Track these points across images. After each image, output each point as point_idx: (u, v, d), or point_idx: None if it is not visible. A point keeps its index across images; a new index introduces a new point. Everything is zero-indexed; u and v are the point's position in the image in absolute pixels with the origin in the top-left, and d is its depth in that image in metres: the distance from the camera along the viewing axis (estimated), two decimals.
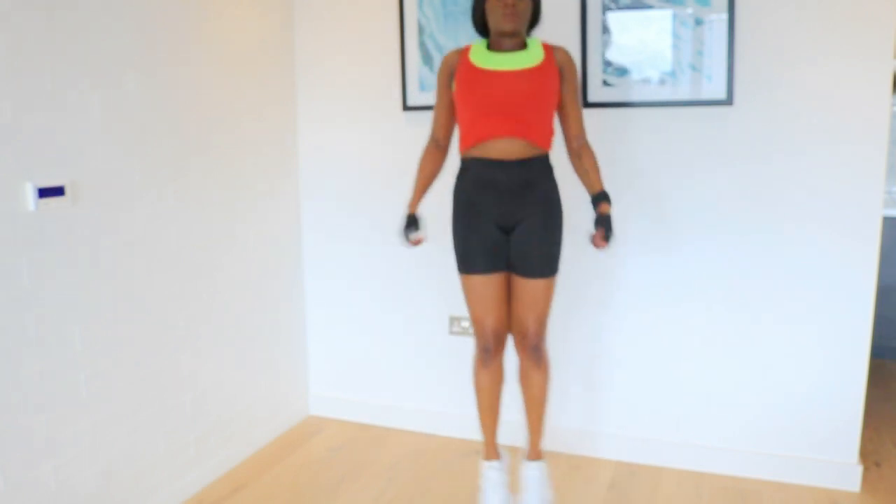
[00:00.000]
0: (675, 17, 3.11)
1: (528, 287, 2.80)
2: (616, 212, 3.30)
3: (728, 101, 3.08)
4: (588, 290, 3.45)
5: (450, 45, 3.47)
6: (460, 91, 2.72)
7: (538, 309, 2.83)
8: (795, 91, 3.02)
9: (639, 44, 3.18)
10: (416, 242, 2.91)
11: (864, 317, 3.08)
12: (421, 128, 3.54)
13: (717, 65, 3.08)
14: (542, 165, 2.76)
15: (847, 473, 3.18)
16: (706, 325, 3.30)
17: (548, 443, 3.56)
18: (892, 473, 3.31)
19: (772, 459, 3.28)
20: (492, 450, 3.02)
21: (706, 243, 3.24)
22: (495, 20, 2.66)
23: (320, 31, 3.76)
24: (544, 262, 2.78)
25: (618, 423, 3.51)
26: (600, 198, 2.75)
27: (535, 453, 3.00)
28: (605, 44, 3.23)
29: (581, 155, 2.81)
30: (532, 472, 2.96)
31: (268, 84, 3.63)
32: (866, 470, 3.32)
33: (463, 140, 2.76)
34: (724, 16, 3.03)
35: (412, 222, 2.90)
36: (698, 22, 3.08)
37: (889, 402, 4.13)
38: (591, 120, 3.26)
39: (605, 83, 3.25)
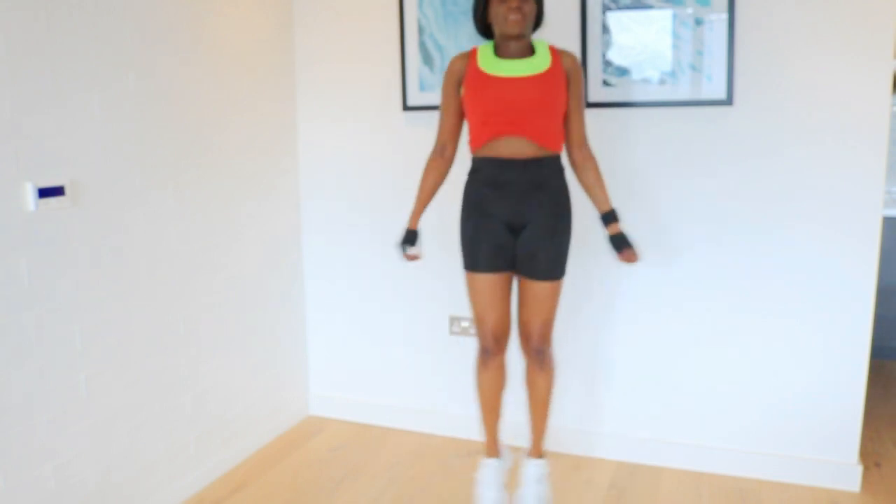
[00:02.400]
0: (675, 16, 3.11)
1: (534, 289, 2.78)
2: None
3: (728, 101, 3.08)
4: (588, 290, 3.45)
5: (450, 45, 3.46)
6: (470, 97, 2.71)
7: (544, 312, 2.82)
8: (795, 91, 3.02)
9: (639, 44, 3.17)
10: (412, 258, 2.94)
11: (864, 317, 3.07)
12: (421, 128, 3.54)
13: (716, 65, 3.08)
14: (553, 166, 2.75)
15: (847, 474, 3.17)
16: (706, 325, 3.30)
17: (548, 442, 3.56)
18: (892, 474, 3.31)
19: (772, 459, 3.27)
20: (492, 448, 3.01)
21: (705, 244, 3.24)
22: (500, 24, 2.64)
23: (320, 31, 3.76)
24: (552, 265, 2.77)
25: (618, 423, 3.51)
26: (612, 217, 2.81)
27: (536, 451, 3.01)
28: (605, 44, 3.22)
29: (586, 167, 2.82)
30: (532, 470, 2.96)
31: (267, 84, 3.63)
32: (866, 470, 3.31)
33: (474, 140, 2.75)
34: (724, 16, 3.03)
35: (410, 238, 2.91)
36: (698, 22, 3.07)
37: (889, 402, 4.13)
38: (591, 120, 3.26)
39: (605, 83, 3.25)
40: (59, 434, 2.61)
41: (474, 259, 2.79)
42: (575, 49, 3.26)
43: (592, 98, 3.28)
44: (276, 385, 3.81)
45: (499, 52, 2.72)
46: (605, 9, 3.20)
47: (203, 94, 3.20)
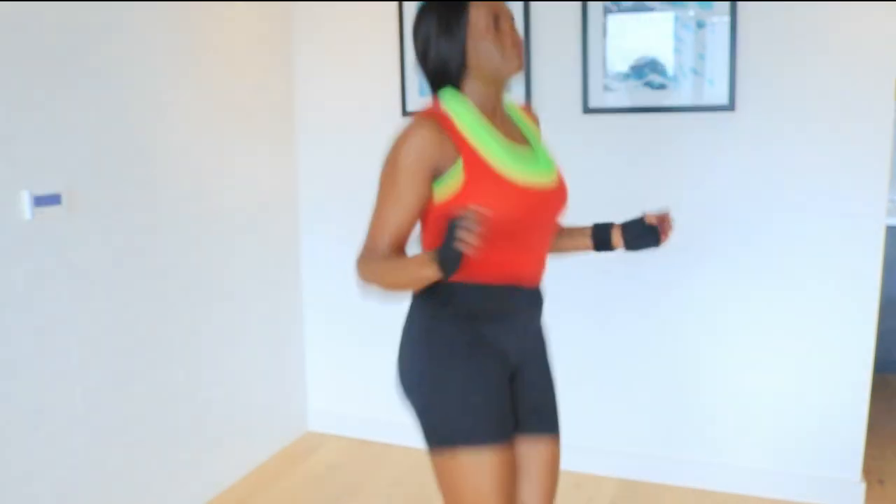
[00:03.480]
0: (676, 19, 3.08)
1: (548, 453, 1.99)
2: (613, 219, 3.29)
3: (730, 106, 3.06)
4: (588, 305, 3.41)
5: None
6: (475, 205, 1.76)
7: (555, 487, 2.03)
8: (798, 97, 2.99)
9: (640, 47, 3.16)
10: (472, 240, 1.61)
11: (868, 330, 3.03)
12: None
13: (719, 69, 3.06)
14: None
15: (850, 491, 3.12)
16: (706, 340, 3.25)
17: None
18: (895, 491, 3.27)
19: (774, 476, 3.23)
20: None
21: (706, 255, 3.20)
22: (495, 60, 1.82)
23: (319, 40, 3.72)
24: (557, 413, 2.06)
25: (620, 441, 3.47)
26: (601, 228, 2.09)
27: None
28: (606, 47, 3.21)
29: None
30: None
31: (266, 92, 3.59)
32: (869, 488, 3.26)
33: (468, 269, 1.82)
34: (727, 18, 3.01)
35: (446, 252, 1.66)
36: (700, 25, 3.06)
37: (893, 417, 4.09)
38: (592, 126, 3.25)
39: (606, 88, 3.23)
40: (56, 449, 2.56)
41: (484, 423, 1.82)
42: (575, 52, 3.25)
43: (593, 103, 3.25)
44: (274, 400, 3.77)
45: (483, 112, 1.88)
46: (607, 12, 3.18)
47: (201, 103, 3.17)
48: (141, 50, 2.86)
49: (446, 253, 1.61)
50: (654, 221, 2.00)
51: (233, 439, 3.46)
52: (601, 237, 2.06)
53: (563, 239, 2.11)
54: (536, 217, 1.85)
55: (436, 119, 1.79)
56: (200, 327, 3.23)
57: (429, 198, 1.80)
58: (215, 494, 3.34)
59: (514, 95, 3.32)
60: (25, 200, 2.41)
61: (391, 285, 1.77)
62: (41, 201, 2.45)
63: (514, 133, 1.93)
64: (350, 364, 3.92)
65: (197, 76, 3.15)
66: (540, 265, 1.95)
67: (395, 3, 3.56)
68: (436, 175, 1.78)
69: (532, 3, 3.28)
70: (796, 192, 3.05)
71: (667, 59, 3.12)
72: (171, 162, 3.04)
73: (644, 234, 2.01)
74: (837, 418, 3.12)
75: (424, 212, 1.83)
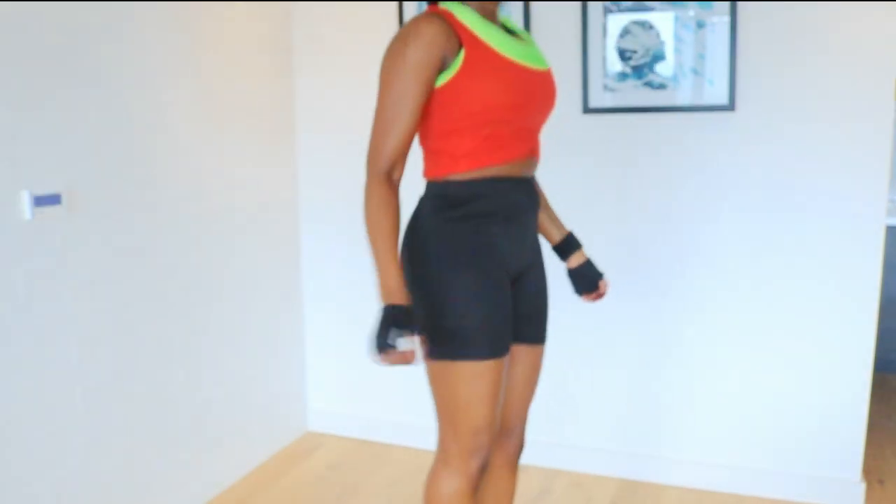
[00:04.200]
0: (676, 19, 3.08)
1: (534, 358, 2.11)
2: (614, 220, 3.30)
3: (730, 106, 3.06)
4: (582, 306, 3.39)
5: None
6: (479, 87, 1.83)
7: (535, 388, 2.17)
8: (798, 97, 2.99)
9: (640, 47, 3.16)
10: (406, 359, 1.75)
11: (868, 329, 3.02)
12: None
13: (719, 69, 3.06)
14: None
15: (850, 491, 3.12)
16: (707, 340, 3.25)
17: (549, 460, 3.54)
18: (895, 491, 3.27)
19: (774, 477, 3.23)
20: None
21: (706, 256, 3.20)
22: None
23: (319, 40, 3.72)
24: (547, 322, 2.17)
25: (619, 440, 3.47)
26: (575, 241, 2.25)
27: None
28: (606, 47, 3.21)
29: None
30: None
31: (266, 91, 3.59)
32: (869, 488, 3.26)
33: (471, 153, 1.89)
34: (727, 18, 3.01)
35: (401, 318, 1.77)
36: (700, 24, 3.06)
37: (893, 417, 4.08)
38: (592, 125, 3.25)
39: (606, 87, 3.23)
40: (56, 450, 2.56)
41: (486, 340, 1.89)
42: (575, 52, 3.25)
43: (593, 103, 3.25)
44: (273, 400, 3.76)
45: (485, 16, 1.94)
46: (607, 11, 3.18)
47: (202, 102, 3.16)
48: (141, 50, 2.86)
49: (381, 332, 1.75)
50: (600, 288, 2.24)
51: (233, 439, 3.45)
52: (566, 247, 2.24)
53: (544, 213, 2.22)
54: (531, 99, 1.91)
55: (440, 14, 1.85)
56: (200, 327, 3.23)
57: (430, 96, 1.85)
58: (215, 494, 3.34)
59: None
60: (25, 200, 2.40)
61: (370, 240, 1.85)
62: (41, 201, 2.44)
63: (511, 35, 1.98)
64: (350, 364, 3.92)
65: (197, 76, 3.15)
66: (535, 153, 2.01)
67: (395, 3, 3.56)
68: (441, 68, 1.82)
69: (532, 3, 3.28)
70: (796, 192, 3.05)
71: (667, 59, 3.12)
72: (171, 162, 3.03)
73: (587, 283, 2.24)
74: (837, 418, 3.11)
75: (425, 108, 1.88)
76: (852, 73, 2.91)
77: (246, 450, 3.55)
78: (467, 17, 1.86)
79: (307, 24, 3.74)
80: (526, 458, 3.54)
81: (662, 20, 3.10)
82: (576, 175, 3.33)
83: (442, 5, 1.90)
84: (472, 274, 1.88)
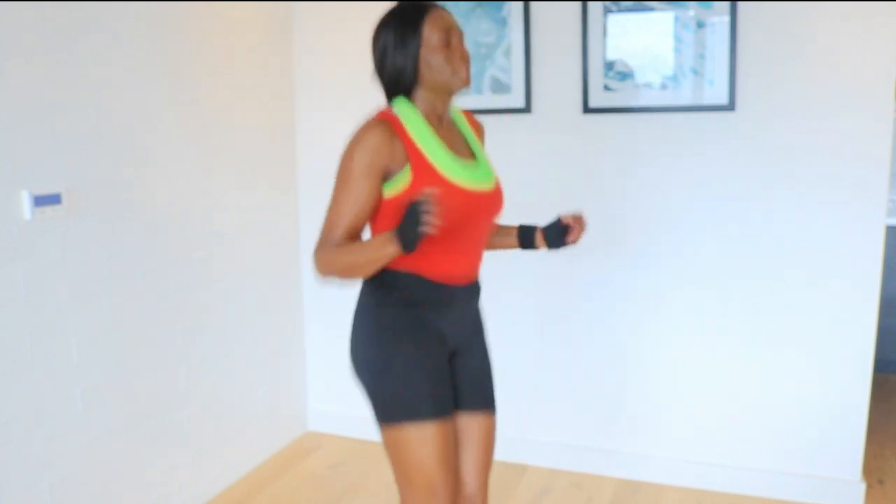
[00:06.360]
0: (676, 19, 3.08)
1: (484, 427, 2.19)
2: (614, 220, 3.30)
3: (730, 106, 3.05)
4: (587, 304, 3.41)
5: None
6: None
7: (490, 459, 2.23)
8: (798, 97, 2.99)
9: (640, 47, 3.15)
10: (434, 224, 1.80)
11: (868, 330, 3.02)
12: None
13: (719, 69, 3.05)
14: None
15: (850, 491, 3.12)
16: (707, 340, 3.25)
17: (549, 460, 3.53)
18: (895, 491, 3.28)
19: (774, 476, 3.23)
20: None
21: (706, 255, 3.20)
22: (444, 74, 1.98)
23: (319, 40, 3.72)
24: (493, 391, 2.24)
25: (620, 441, 3.46)
26: (526, 227, 2.26)
27: None
28: (606, 47, 3.20)
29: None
30: None
31: (266, 91, 3.59)
32: (869, 487, 3.26)
33: (408, 264, 2.00)
34: (727, 18, 3.01)
35: (411, 220, 1.81)
36: (700, 24, 3.05)
37: (893, 417, 4.08)
38: (591, 125, 3.25)
39: (606, 87, 3.23)
40: (56, 450, 2.56)
41: (429, 401, 2.00)
42: (576, 52, 3.24)
43: (593, 103, 3.25)
44: (273, 400, 3.76)
45: (430, 120, 2.04)
46: (607, 11, 3.18)
47: (201, 102, 3.16)
48: (141, 50, 2.86)
49: (407, 231, 1.79)
50: (569, 222, 2.17)
51: (233, 439, 3.45)
52: (526, 237, 2.25)
53: (495, 237, 2.28)
54: (475, 218, 2.03)
55: (387, 121, 1.96)
56: (200, 327, 3.22)
57: (379, 195, 1.96)
58: (215, 494, 3.34)
59: (514, 97, 3.33)
60: (25, 200, 2.41)
61: (351, 266, 1.92)
62: (41, 201, 2.45)
63: (458, 140, 2.10)
64: (350, 363, 3.91)
65: (197, 76, 3.15)
66: (476, 262, 2.12)
67: (395, 4, 3.55)
68: (386, 175, 1.94)
69: (532, 3, 3.28)
70: (796, 191, 3.05)
71: (667, 59, 3.12)
72: (171, 162, 3.03)
73: (561, 234, 2.18)
74: (838, 418, 3.11)
75: (375, 207, 1.98)
76: (852, 73, 2.91)
77: (246, 450, 3.55)
78: (414, 124, 1.98)
79: (307, 24, 3.74)
80: (526, 458, 3.55)
81: (662, 20, 3.10)
82: (576, 175, 3.33)
83: (393, 109, 2.01)
84: (412, 345, 2.02)
